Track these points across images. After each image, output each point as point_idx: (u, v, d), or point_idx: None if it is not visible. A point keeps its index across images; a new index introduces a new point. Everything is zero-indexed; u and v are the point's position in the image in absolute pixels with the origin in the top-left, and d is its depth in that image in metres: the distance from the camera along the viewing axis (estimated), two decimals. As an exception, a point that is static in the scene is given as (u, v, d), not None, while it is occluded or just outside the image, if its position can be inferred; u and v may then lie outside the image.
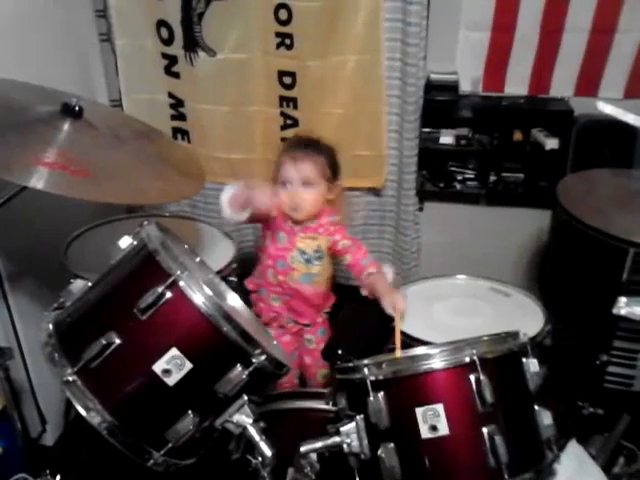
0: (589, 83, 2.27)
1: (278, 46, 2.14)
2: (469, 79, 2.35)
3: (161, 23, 2.20)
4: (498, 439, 1.02)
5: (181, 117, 2.37)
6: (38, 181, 1.17)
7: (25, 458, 1.59)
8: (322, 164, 1.79)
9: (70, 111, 1.36)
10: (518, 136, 2.31)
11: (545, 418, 1.11)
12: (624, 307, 1.29)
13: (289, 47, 2.14)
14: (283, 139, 2.22)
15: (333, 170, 1.82)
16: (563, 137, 2.24)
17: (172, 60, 2.26)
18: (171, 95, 2.34)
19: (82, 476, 1.42)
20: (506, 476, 1.02)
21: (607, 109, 1.82)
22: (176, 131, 2.40)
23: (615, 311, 1.32)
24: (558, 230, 2.12)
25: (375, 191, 2.39)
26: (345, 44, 2.12)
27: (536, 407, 1.11)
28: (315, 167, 1.77)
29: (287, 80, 2.21)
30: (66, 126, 1.35)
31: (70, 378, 1.05)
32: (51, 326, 1.13)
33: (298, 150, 1.78)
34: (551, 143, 2.25)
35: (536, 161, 2.33)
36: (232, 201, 1.68)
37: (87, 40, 2.23)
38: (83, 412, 1.04)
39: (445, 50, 2.30)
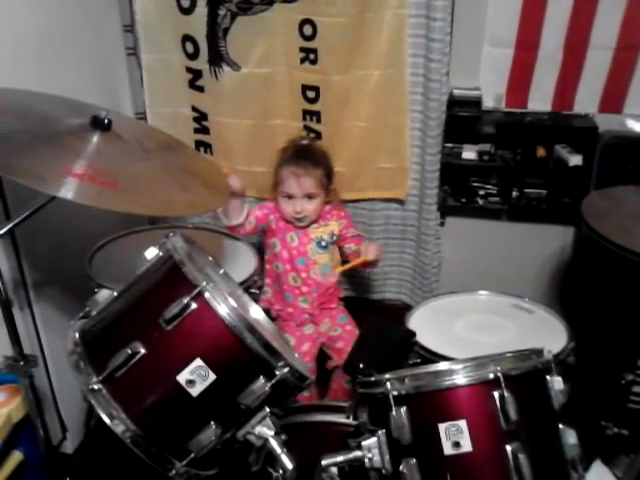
0: (614, 99, 2.25)
1: (302, 61, 2.16)
2: (492, 95, 2.34)
3: (186, 38, 2.23)
4: (522, 457, 1.01)
5: (204, 130, 2.40)
6: (68, 192, 1.18)
7: (46, 465, 1.60)
8: (320, 176, 1.92)
9: (100, 123, 1.38)
10: (541, 152, 2.29)
11: (570, 437, 1.09)
12: (653, 326, 1.27)
13: (313, 62, 2.16)
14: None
15: (329, 177, 1.95)
16: (587, 153, 2.23)
17: (197, 74, 2.29)
18: (195, 109, 2.37)
19: (102, 485, 1.43)
20: (530, 496, 1.01)
21: (637, 127, 1.80)
22: (199, 144, 2.42)
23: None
24: (582, 247, 2.10)
25: (397, 205, 2.39)
26: (369, 59, 2.14)
27: (560, 425, 1.10)
28: (315, 181, 1.90)
29: (311, 94, 2.22)
30: (95, 138, 1.37)
31: (95, 386, 1.06)
32: (77, 335, 1.14)
33: (299, 166, 1.88)
34: (575, 159, 2.24)
35: (559, 177, 2.31)
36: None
37: (114, 54, 2.27)
38: (107, 420, 1.05)
39: (468, 66, 2.30)
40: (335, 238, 1.99)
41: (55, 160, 1.26)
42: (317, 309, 1.97)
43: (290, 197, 1.90)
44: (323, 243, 1.95)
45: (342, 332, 1.96)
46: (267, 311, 1.90)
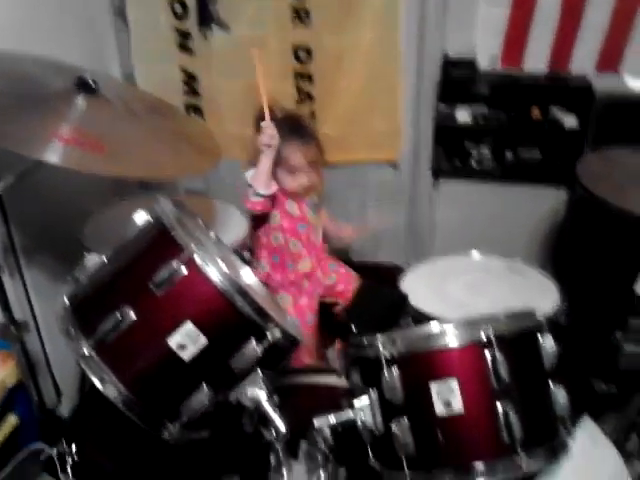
0: (611, 59, 2.22)
1: (294, 21, 2.12)
2: (487, 55, 2.31)
3: (175, -2, 2.18)
4: (512, 415, 1.02)
5: (194, 93, 2.36)
6: (53, 155, 1.16)
7: (41, 428, 1.61)
8: (319, 144, 1.89)
9: (85, 86, 1.35)
10: (536, 114, 2.27)
11: (560, 396, 1.10)
12: (645, 284, 1.28)
13: (305, 22, 2.11)
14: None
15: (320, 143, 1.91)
16: (582, 115, 2.21)
17: (185, 36, 2.25)
18: (184, 71, 2.33)
19: (97, 446, 1.44)
20: (519, 451, 1.02)
21: (635, 84, 1.78)
22: (189, 107, 2.39)
23: (637, 288, 1.31)
24: (576, 208, 2.10)
25: (390, 168, 2.37)
26: (363, 19, 2.09)
27: (551, 384, 1.10)
28: (316, 150, 1.87)
29: (303, 55, 2.19)
30: (81, 101, 1.34)
31: (86, 352, 1.06)
32: (67, 300, 1.13)
33: (300, 139, 1.84)
34: (570, 121, 2.22)
35: (554, 139, 2.29)
36: (256, 176, 1.77)
37: (100, 15, 2.22)
38: (99, 385, 1.05)
39: (464, 26, 2.26)
40: (318, 199, 1.99)
41: (40, 123, 1.23)
42: (316, 268, 1.97)
43: (295, 172, 1.85)
44: (312, 205, 1.94)
45: (337, 277, 1.98)
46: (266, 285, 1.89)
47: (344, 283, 1.95)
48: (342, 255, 2.11)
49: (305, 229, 1.92)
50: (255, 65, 1.80)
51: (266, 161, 1.77)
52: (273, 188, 1.80)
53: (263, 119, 1.78)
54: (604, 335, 1.81)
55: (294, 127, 1.89)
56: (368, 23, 2.11)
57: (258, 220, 1.90)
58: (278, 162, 1.85)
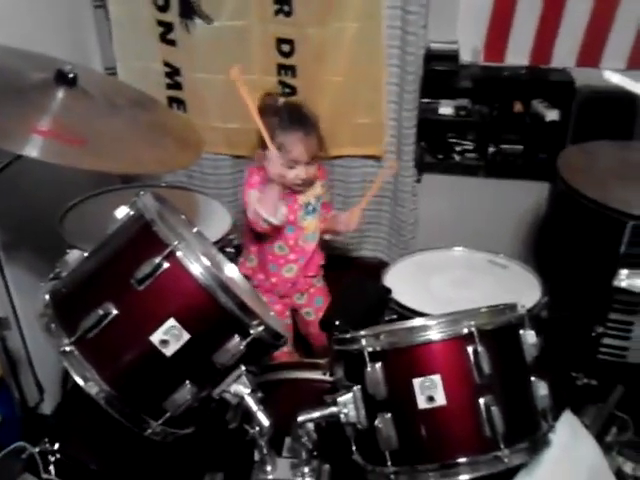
0: (591, 53, 2.24)
1: (276, 13, 2.10)
2: (470, 49, 2.32)
3: (156, -11, 2.15)
4: (494, 409, 1.02)
5: (177, 86, 2.34)
6: (32, 149, 1.15)
7: (24, 427, 1.60)
8: (319, 137, 1.84)
9: (64, 78, 1.33)
10: (518, 107, 2.29)
11: (541, 389, 1.11)
12: (625, 279, 1.29)
13: (288, 14, 2.10)
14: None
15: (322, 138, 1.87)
16: (564, 108, 2.22)
17: (168, 27, 2.22)
18: (167, 64, 2.30)
19: (81, 444, 1.43)
20: (502, 446, 1.03)
21: (614, 78, 1.80)
22: (172, 100, 2.36)
23: (616, 283, 1.32)
24: (557, 202, 2.12)
25: (373, 162, 2.37)
26: (345, 11, 2.08)
27: (532, 378, 1.12)
28: (317, 143, 1.82)
29: (285, 48, 2.17)
30: (60, 94, 1.32)
31: (67, 348, 1.05)
32: (47, 296, 1.12)
33: (302, 130, 1.79)
34: (551, 114, 2.23)
35: (536, 133, 2.31)
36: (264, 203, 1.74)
37: (80, 6, 2.18)
38: (81, 382, 1.05)
39: (446, 19, 2.26)
40: (321, 201, 1.93)
41: (19, 117, 1.22)
42: (301, 277, 1.93)
43: (294, 165, 1.79)
44: (310, 207, 1.88)
45: (314, 318, 1.94)
46: (248, 278, 1.86)
47: (314, 326, 1.91)
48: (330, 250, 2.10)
49: (293, 232, 1.87)
50: (238, 87, 1.77)
51: (275, 188, 1.74)
52: (282, 215, 1.76)
53: (264, 145, 1.75)
54: (585, 329, 1.83)
55: (296, 116, 1.82)
56: (351, 15, 2.10)
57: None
58: (266, 144, 1.80)
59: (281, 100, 1.91)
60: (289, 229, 1.85)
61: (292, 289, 1.93)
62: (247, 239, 1.93)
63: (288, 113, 1.83)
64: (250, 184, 1.83)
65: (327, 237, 1.98)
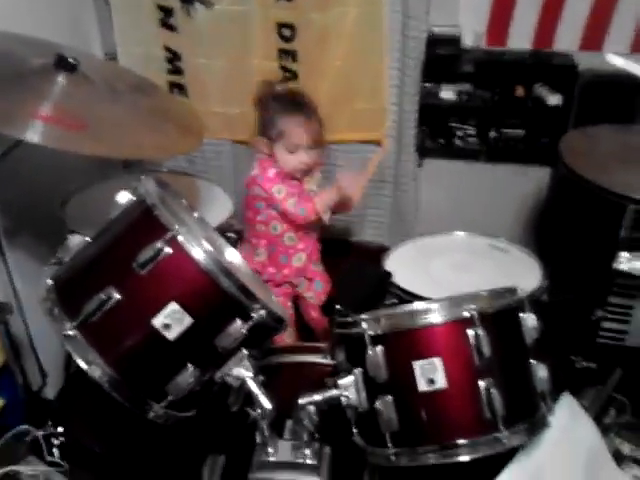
0: (594, 37, 2.21)
1: (277, -3, 2.09)
2: (472, 33, 2.29)
3: (156, -27, 2.14)
4: (494, 392, 1.04)
5: (178, 71, 2.33)
6: (34, 135, 1.15)
7: (27, 411, 1.61)
8: (320, 122, 1.83)
9: (65, 64, 1.33)
10: (520, 91, 2.27)
11: (540, 372, 1.12)
12: (625, 262, 1.29)
13: (289, -2, 2.08)
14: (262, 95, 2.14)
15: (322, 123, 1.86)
16: (566, 92, 2.21)
17: (168, 12, 2.21)
18: (167, 49, 2.29)
19: (84, 427, 1.44)
20: (501, 427, 1.04)
21: (618, 62, 1.78)
22: (172, 86, 2.35)
23: (616, 266, 1.32)
24: (558, 186, 2.12)
25: (374, 147, 2.36)
26: (347, -5, 2.07)
27: (532, 361, 1.12)
28: (319, 128, 1.82)
29: (286, 32, 2.16)
30: (61, 79, 1.32)
31: (70, 332, 1.06)
32: (50, 281, 1.13)
33: (302, 114, 1.79)
34: (554, 99, 2.22)
35: (538, 117, 2.30)
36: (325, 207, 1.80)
37: (80, -9, 2.18)
38: (84, 365, 1.06)
39: (448, 3, 2.24)
40: (318, 188, 1.93)
41: (20, 102, 1.22)
42: (309, 264, 1.95)
43: (296, 150, 1.79)
44: (312, 194, 1.88)
45: (316, 302, 1.95)
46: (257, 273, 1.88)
47: (315, 309, 1.94)
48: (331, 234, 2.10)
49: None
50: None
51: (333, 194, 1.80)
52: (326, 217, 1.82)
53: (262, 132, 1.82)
54: (585, 312, 1.84)
55: (296, 101, 1.83)
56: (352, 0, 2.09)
57: (253, 209, 1.87)
58: (278, 138, 1.80)
59: (280, 87, 1.91)
60: None
61: (299, 276, 1.94)
62: (253, 234, 1.91)
63: (287, 99, 1.84)
64: (270, 179, 1.81)
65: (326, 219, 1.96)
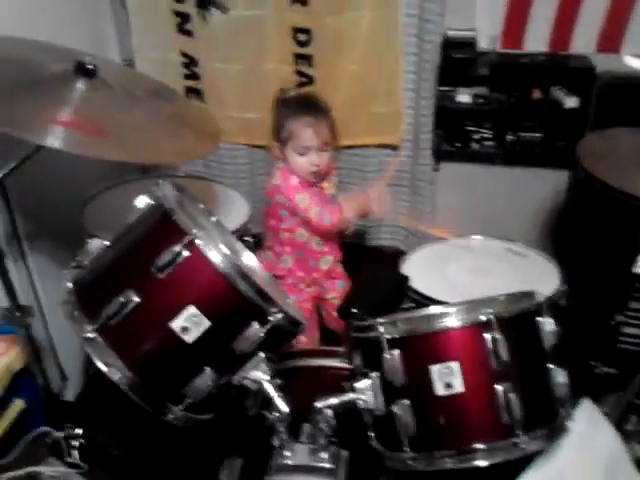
0: (612, 39, 2.19)
1: (293, 2, 2.10)
2: (487, 36, 2.29)
3: (173, -21, 2.16)
4: (512, 396, 1.03)
5: (194, 76, 2.34)
6: (54, 140, 1.16)
7: (47, 412, 1.63)
8: (331, 124, 1.84)
9: (84, 70, 1.34)
10: (537, 94, 2.26)
11: (559, 377, 1.11)
12: (645, 267, 1.28)
13: (304, 3, 2.09)
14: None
15: (334, 124, 1.87)
16: (583, 95, 2.19)
17: (184, 18, 2.22)
18: (184, 54, 2.31)
19: (103, 429, 1.46)
20: (519, 432, 1.03)
21: (635, 63, 1.77)
22: (189, 91, 2.37)
23: (636, 270, 1.31)
24: (576, 190, 2.09)
25: (390, 151, 2.36)
26: (362, -1, 2.07)
27: (550, 366, 1.12)
28: (329, 130, 1.82)
29: (302, 37, 2.17)
30: (80, 85, 1.33)
31: (90, 335, 1.07)
32: (70, 284, 1.15)
33: (310, 115, 1.80)
34: (571, 101, 2.20)
35: (555, 120, 2.28)
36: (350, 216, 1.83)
37: (98, -2, 2.20)
38: (103, 368, 1.07)
39: (463, 6, 2.23)
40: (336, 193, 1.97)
41: (40, 108, 1.23)
42: (335, 265, 1.98)
43: (305, 152, 1.81)
44: (336, 200, 1.91)
45: (338, 300, 1.93)
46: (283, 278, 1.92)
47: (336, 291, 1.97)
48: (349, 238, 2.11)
49: None
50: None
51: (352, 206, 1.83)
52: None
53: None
54: (604, 317, 1.82)
55: (305, 103, 1.85)
56: (367, 3, 2.08)
57: (276, 217, 1.88)
58: (287, 140, 1.82)
59: (293, 91, 1.93)
60: None
61: (329, 279, 1.97)
62: (276, 241, 1.92)
63: (296, 101, 1.86)
64: (293, 187, 1.83)
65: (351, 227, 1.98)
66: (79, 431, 1.41)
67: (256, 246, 1.90)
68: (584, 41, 2.23)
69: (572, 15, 2.20)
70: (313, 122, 1.79)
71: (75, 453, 1.39)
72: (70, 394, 1.96)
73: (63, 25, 1.92)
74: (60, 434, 1.42)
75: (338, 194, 1.97)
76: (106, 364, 1.07)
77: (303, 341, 1.81)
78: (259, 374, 1.12)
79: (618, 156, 1.77)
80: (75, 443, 1.39)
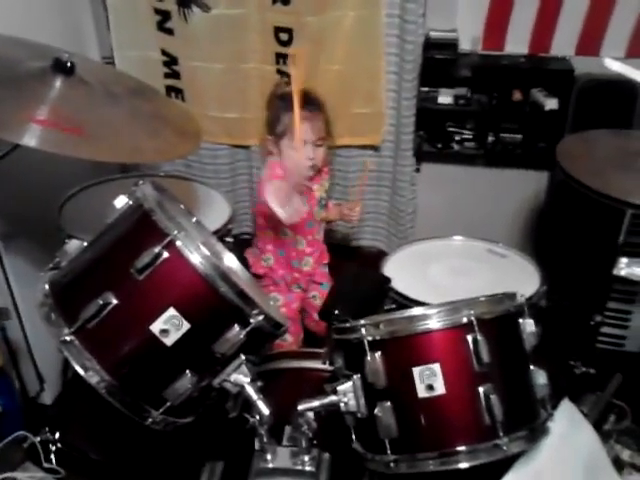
0: (591, 42, 2.22)
1: (274, 1, 2.09)
2: (469, 37, 2.30)
3: (153, -23, 2.14)
4: (493, 398, 1.03)
5: (175, 75, 2.32)
6: (31, 139, 1.15)
7: (24, 416, 1.61)
8: (326, 120, 1.85)
9: (62, 67, 1.33)
10: (517, 96, 2.27)
11: (540, 378, 1.12)
12: (624, 268, 1.29)
13: (286, 2, 2.08)
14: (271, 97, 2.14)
15: (329, 121, 1.89)
16: (563, 97, 2.21)
17: (165, 15, 2.20)
18: (164, 52, 2.29)
19: (81, 434, 1.44)
20: (501, 434, 1.03)
21: (614, 66, 1.79)
22: (170, 89, 2.35)
23: (615, 272, 1.32)
24: (556, 191, 2.12)
25: (372, 151, 2.36)
26: (344, -1, 2.07)
27: (531, 367, 1.12)
28: (324, 125, 1.84)
29: (284, 36, 2.16)
30: (58, 82, 1.32)
31: (67, 338, 1.05)
32: (47, 286, 1.12)
33: (306, 109, 1.77)
34: (551, 103, 2.22)
35: (535, 121, 2.30)
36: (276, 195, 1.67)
37: (77, -5, 2.17)
38: (81, 371, 1.05)
39: (445, 7, 2.24)
40: (327, 194, 1.98)
41: (16, 106, 1.21)
42: (317, 268, 1.98)
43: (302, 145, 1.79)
44: (323, 202, 1.94)
45: (320, 302, 1.94)
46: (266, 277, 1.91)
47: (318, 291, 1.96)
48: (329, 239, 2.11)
49: (311, 227, 1.91)
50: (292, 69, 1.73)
51: (289, 182, 1.70)
52: (294, 210, 1.68)
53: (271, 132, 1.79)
54: (583, 318, 1.84)
55: (303, 98, 1.80)
56: (349, 3, 2.08)
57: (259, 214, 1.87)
58: (283, 134, 1.81)
59: (288, 87, 1.91)
60: (309, 224, 1.89)
61: (309, 280, 1.96)
62: (260, 239, 1.93)
63: (292, 95, 1.83)
64: (274, 176, 1.79)
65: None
66: (57, 435, 1.38)
67: (245, 244, 1.90)
68: (564, 43, 2.25)
69: (552, 18, 2.22)
70: (309, 116, 1.78)
71: (52, 458, 1.37)
72: (47, 397, 1.93)
73: (41, 22, 1.89)
74: (37, 438, 1.40)
75: (326, 197, 1.96)
76: (84, 368, 1.05)
77: (289, 340, 1.81)
78: (240, 377, 1.10)
79: (597, 158, 1.79)
80: (52, 448, 1.37)
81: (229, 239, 1.71)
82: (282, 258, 1.92)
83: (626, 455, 1.44)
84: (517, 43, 2.29)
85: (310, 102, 1.81)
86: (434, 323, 1.06)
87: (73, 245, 1.19)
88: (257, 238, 1.96)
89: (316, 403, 1.14)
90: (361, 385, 1.10)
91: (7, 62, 1.34)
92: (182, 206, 1.34)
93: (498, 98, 2.29)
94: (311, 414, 1.15)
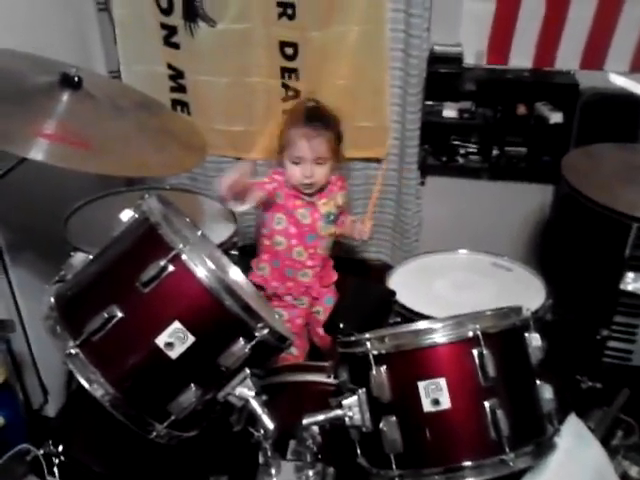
0: (595, 56, 2.23)
1: (280, 16, 2.11)
2: (473, 51, 2.31)
3: (160, -8, 2.16)
4: (500, 413, 1.02)
5: (181, 89, 2.34)
6: (38, 153, 1.15)
7: (28, 429, 1.60)
8: (332, 139, 1.82)
9: (69, 81, 1.34)
10: (522, 110, 2.28)
11: (546, 392, 1.11)
12: (631, 283, 1.29)
13: (291, 17, 2.10)
14: (284, 111, 2.18)
15: (339, 140, 1.85)
16: (568, 111, 2.22)
17: (171, 30, 2.22)
18: (170, 66, 2.31)
19: (84, 446, 1.43)
20: (507, 449, 1.03)
21: (619, 81, 1.79)
22: (176, 103, 2.37)
23: (622, 286, 1.32)
24: (561, 205, 2.11)
25: (377, 165, 2.37)
26: (348, 14, 2.09)
27: (537, 381, 1.11)
28: (327, 144, 1.80)
29: (289, 51, 2.17)
30: (65, 97, 1.33)
31: (72, 351, 1.05)
32: (52, 299, 1.13)
33: (309, 126, 1.78)
34: (555, 117, 2.23)
35: (540, 135, 2.30)
36: (230, 189, 1.66)
37: (84, 9, 2.19)
38: (86, 384, 1.05)
39: (449, 21, 2.25)
40: (339, 210, 1.93)
41: (24, 120, 1.22)
42: (317, 284, 1.94)
43: (299, 161, 1.79)
44: (332, 217, 1.89)
45: (324, 317, 1.93)
46: (261, 288, 1.87)
47: (322, 306, 1.94)
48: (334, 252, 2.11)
49: (314, 241, 1.88)
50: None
51: (246, 166, 1.74)
52: (243, 206, 1.71)
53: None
54: (589, 332, 1.82)
55: (310, 115, 1.81)
56: (354, 18, 2.10)
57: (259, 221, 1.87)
58: (284, 149, 1.81)
59: (311, 102, 1.90)
60: (310, 237, 1.86)
61: (305, 293, 1.94)
62: (259, 248, 1.93)
63: (303, 111, 1.84)
64: (261, 183, 1.82)
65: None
66: (60, 448, 1.37)
67: (252, 253, 1.89)
68: (568, 57, 2.26)
69: (557, 32, 2.23)
70: (310, 134, 1.77)
71: (56, 471, 1.36)
72: (51, 410, 1.93)
73: (49, 37, 1.91)
74: (40, 451, 1.39)
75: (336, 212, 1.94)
76: (89, 380, 1.05)
77: (295, 354, 1.80)
78: (245, 390, 1.10)
79: (602, 172, 1.78)
80: (56, 460, 1.36)
81: (234, 252, 1.72)
82: (276, 270, 1.90)
83: (634, 471, 1.42)
84: (521, 57, 2.30)
85: (318, 121, 1.80)
86: (440, 337, 1.06)
87: (79, 258, 1.19)
88: (257, 249, 1.96)
89: (321, 417, 1.13)
90: (366, 399, 1.09)
91: (15, 76, 1.35)
92: (187, 219, 1.34)
93: (503, 112, 2.30)
94: (316, 428, 1.14)
